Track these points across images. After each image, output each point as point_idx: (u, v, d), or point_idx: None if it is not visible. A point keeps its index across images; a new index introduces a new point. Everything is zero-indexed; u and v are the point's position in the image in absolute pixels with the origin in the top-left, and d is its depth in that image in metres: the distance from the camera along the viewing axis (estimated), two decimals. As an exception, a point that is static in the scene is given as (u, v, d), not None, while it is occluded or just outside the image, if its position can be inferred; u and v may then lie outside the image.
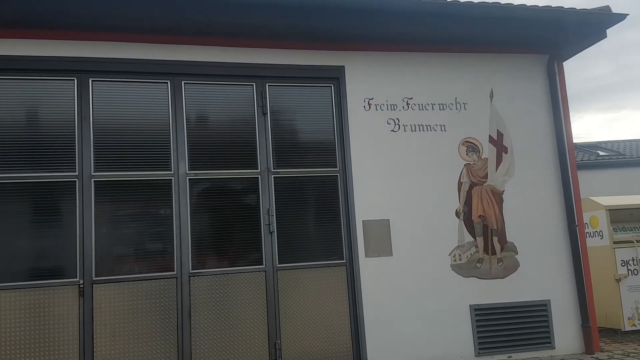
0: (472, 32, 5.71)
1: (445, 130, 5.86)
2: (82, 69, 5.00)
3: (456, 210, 5.76)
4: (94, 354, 4.68)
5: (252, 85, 5.44)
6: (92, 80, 5.04)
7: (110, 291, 4.82)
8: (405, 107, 5.78)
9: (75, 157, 4.90)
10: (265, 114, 5.43)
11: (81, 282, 4.75)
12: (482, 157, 5.92)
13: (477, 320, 5.58)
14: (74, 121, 4.95)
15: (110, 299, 4.80)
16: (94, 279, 4.78)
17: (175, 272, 5.00)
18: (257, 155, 5.35)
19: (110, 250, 4.90)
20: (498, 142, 6.00)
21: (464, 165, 5.85)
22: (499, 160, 5.97)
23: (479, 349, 5.55)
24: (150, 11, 4.84)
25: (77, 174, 4.89)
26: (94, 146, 4.96)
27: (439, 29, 5.56)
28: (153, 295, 4.91)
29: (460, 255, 5.69)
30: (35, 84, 4.93)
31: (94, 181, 4.91)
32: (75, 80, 5.00)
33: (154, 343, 4.85)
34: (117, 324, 4.78)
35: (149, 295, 4.90)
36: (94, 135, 4.98)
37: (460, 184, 5.81)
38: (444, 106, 5.90)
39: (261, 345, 5.10)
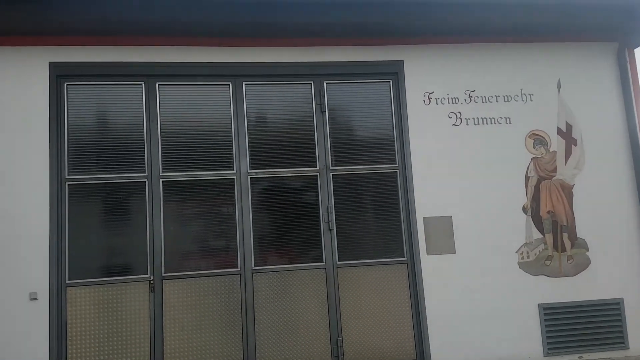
0: (539, 20, 5.45)
1: (510, 123, 5.64)
2: (149, 74, 5.21)
3: (523, 205, 5.55)
4: (164, 346, 4.89)
5: (310, 83, 5.47)
6: (159, 84, 5.24)
7: (179, 287, 5.02)
8: (468, 100, 5.62)
9: (144, 158, 5.12)
10: (323, 111, 5.45)
11: (151, 278, 4.98)
12: (550, 150, 5.65)
13: (546, 320, 5.36)
14: (143, 124, 5.17)
15: (179, 294, 5.00)
16: (163, 275, 4.99)
17: (238, 269, 5.13)
18: (315, 153, 5.38)
19: (178, 247, 5.09)
20: (567, 134, 5.71)
21: (531, 158, 5.62)
22: (568, 153, 5.68)
23: (548, 349, 5.33)
24: (213, 15, 4.95)
25: (146, 174, 5.11)
26: (161, 148, 5.16)
27: (504, 18, 5.36)
28: (218, 291, 5.07)
29: (528, 253, 5.47)
30: (107, 89, 5.18)
31: (162, 181, 5.11)
32: (143, 85, 5.22)
33: (220, 337, 5.00)
34: (185, 318, 4.97)
35: (214, 290, 5.06)
36: (161, 137, 5.18)
37: (527, 178, 5.58)
38: (509, 98, 5.69)
39: (323, 342, 5.15)
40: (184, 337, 4.94)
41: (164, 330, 4.91)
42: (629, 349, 5.44)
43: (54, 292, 4.75)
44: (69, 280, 4.84)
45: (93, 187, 5.04)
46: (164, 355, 4.88)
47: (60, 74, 5.04)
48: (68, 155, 5.01)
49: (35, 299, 4.68)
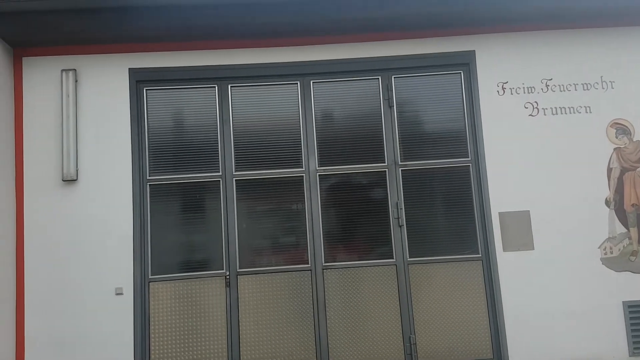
0: (623, 4, 5.13)
1: (590, 112, 5.36)
2: (222, 76, 5.35)
3: (606, 198, 5.26)
4: (240, 339, 5.04)
5: (378, 78, 5.43)
6: (231, 86, 5.38)
7: (253, 282, 5.15)
8: (545, 89, 5.38)
9: (218, 158, 5.28)
10: (391, 106, 5.39)
11: (227, 273, 5.13)
12: (634, 139, 5.32)
13: (631, 318, 5.07)
14: (216, 125, 5.33)
15: (253, 289, 5.13)
16: (238, 270, 5.13)
17: (309, 265, 5.19)
18: (384, 149, 5.34)
19: (251, 243, 5.22)
20: (652, 122, 5.36)
21: (614, 149, 5.31)
22: (654, 142, 5.35)
23: (634, 348, 5.04)
24: (280, 16, 5.00)
25: (220, 174, 5.26)
26: (234, 148, 5.29)
27: (583, 2, 5.09)
28: (290, 287, 5.15)
29: (611, 248, 5.19)
30: (182, 93, 5.37)
31: (235, 180, 5.26)
32: (216, 87, 5.37)
33: (293, 331, 5.09)
34: (259, 313, 5.09)
35: (286, 286, 5.15)
36: (234, 138, 5.32)
37: (609, 170, 5.29)
38: (588, 86, 5.40)
39: (395, 339, 5.12)
40: (259, 330, 5.07)
41: (239, 324, 5.06)
42: None
43: (137, 287, 5.00)
44: (152, 275, 5.08)
45: (172, 187, 5.24)
46: (240, 347, 5.04)
47: (139, 80, 5.28)
48: (149, 157, 5.24)
49: (121, 293, 4.95)
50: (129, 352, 4.89)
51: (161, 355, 4.98)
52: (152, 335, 5.01)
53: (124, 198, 5.09)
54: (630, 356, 5.06)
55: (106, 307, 4.93)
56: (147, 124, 5.29)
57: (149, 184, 5.20)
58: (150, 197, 5.19)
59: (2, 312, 4.69)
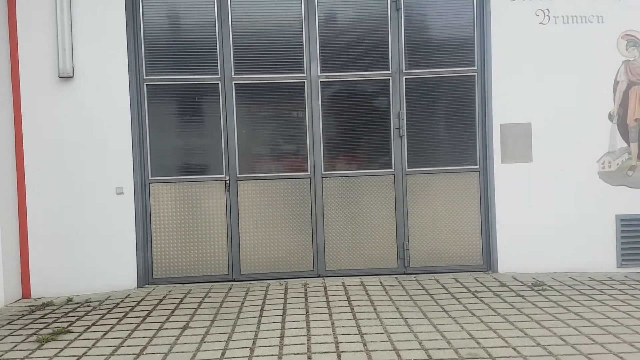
0: None
1: (602, 22, 5.16)
2: (220, -28, 5.11)
3: (609, 112, 5.20)
4: (240, 241, 5.18)
5: (385, -21, 5.18)
6: (230, -17, 5.15)
7: (252, 187, 5.20)
8: (557, -5, 5.17)
9: (217, 59, 5.15)
10: (398, 9, 5.17)
11: (227, 178, 5.17)
12: (646, 52, 5.19)
13: (622, 231, 5.20)
14: (214, 25, 5.14)
15: (253, 195, 5.20)
16: (238, 175, 5.17)
17: (308, 173, 5.22)
18: (388, 55, 5.20)
19: (251, 149, 5.22)
20: (665, 35, 5.19)
21: (622, 62, 5.18)
22: (664, 56, 5.20)
23: (622, 260, 5.21)
24: None
25: (219, 76, 5.15)
26: (233, 49, 5.14)
27: None
28: (289, 193, 5.22)
29: (610, 163, 5.21)
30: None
31: (235, 84, 5.15)
32: (214, -17, 5.14)
33: (291, 235, 5.22)
34: (258, 216, 5.20)
35: (286, 192, 5.21)
36: (233, 38, 5.15)
37: (616, 83, 5.19)
38: (603, -7, 5.17)
39: (389, 245, 5.26)
40: (258, 233, 5.20)
41: (239, 226, 5.17)
42: None
43: (138, 188, 5.05)
44: (152, 177, 5.12)
45: (170, 88, 5.16)
46: (240, 247, 5.19)
47: (134, -26, 5.04)
48: (145, 56, 5.10)
49: (122, 193, 5.01)
50: (131, 249, 5.03)
51: (163, 254, 5.13)
52: (153, 235, 5.13)
53: (121, 97, 5.01)
54: (617, 267, 5.23)
55: (107, 205, 5.00)
56: (143, 20, 5.10)
57: (146, 84, 5.10)
58: (148, 98, 5.11)
59: (4, 211, 4.77)
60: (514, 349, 3.30)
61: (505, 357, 3.17)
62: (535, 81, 5.17)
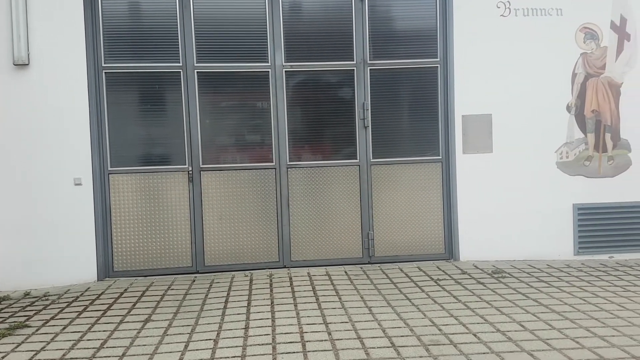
0: None
1: (561, 15, 5.28)
2: (181, -44, 4.98)
3: (567, 104, 5.35)
4: (204, 232, 5.11)
5: (350, -31, 5.16)
6: (191, -32, 5.03)
7: (216, 178, 5.12)
8: (518, -12, 5.26)
9: (178, 47, 5.03)
10: (362, 0, 5.17)
11: (190, 168, 5.08)
12: (602, 45, 5.33)
13: (579, 220, 5.37)
14: (175, 11, 5.01)
15: (217, 186, 5.12)
16: (201, 166, 5.09)
17: (274, 163, 5.18)
18: (353, 46, 5.19)
19: (214, 140, 5.14)
20: (620, 29, 5.35)
21: (580, 54, 5.32)
22: (619, 49, 5.35)
23: (579, 248, 5.39)
24: None
25: (181, 64, 5.04)
26: (195, 37, 5.03)
27: None
28: (254, 184, 5.17)
29: (567, 153, 5.36)
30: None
31: (197, 72, 5.05)
32: (175, -32, 5.01)
33: (257, 226, 5.18)
34: (223, 207, 5.13)
35: (250, 183, 5.17)
36: (195, 26, 5.03)
37: (574, 75, 5.33)
38: (562, -14, 5.29)
39: (354, 235, 5.29)
40: (223, 225, 5.13)
41: (203, 218, 5.10)
42: (661, 250, 5.46)
43: (97, 178, 4.91)
44: (111, 167, 4.98)
45: (130, 76, 5.01)
46: (204, 238, 5.11)
47: (90, -43, 4.85)
48: (104, 43, 4.94)
49: (80, 184, 4.86)
50: (90, 242, 4.89)
51: (124, 247, 5.01)
52: (113, 227, 4.99)
53: (79, 85, 4.84)
54: (574, 255, 5.40)
55: (65, 197, 4.84)
56: (102, 6, 4.92)
57: (105, 72, 4.95)
58: (106, 86, 4.95)
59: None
60: (475, 335, 3.37)
61: (466, 343, 3.25)
62: (496, 73, 5.26)
